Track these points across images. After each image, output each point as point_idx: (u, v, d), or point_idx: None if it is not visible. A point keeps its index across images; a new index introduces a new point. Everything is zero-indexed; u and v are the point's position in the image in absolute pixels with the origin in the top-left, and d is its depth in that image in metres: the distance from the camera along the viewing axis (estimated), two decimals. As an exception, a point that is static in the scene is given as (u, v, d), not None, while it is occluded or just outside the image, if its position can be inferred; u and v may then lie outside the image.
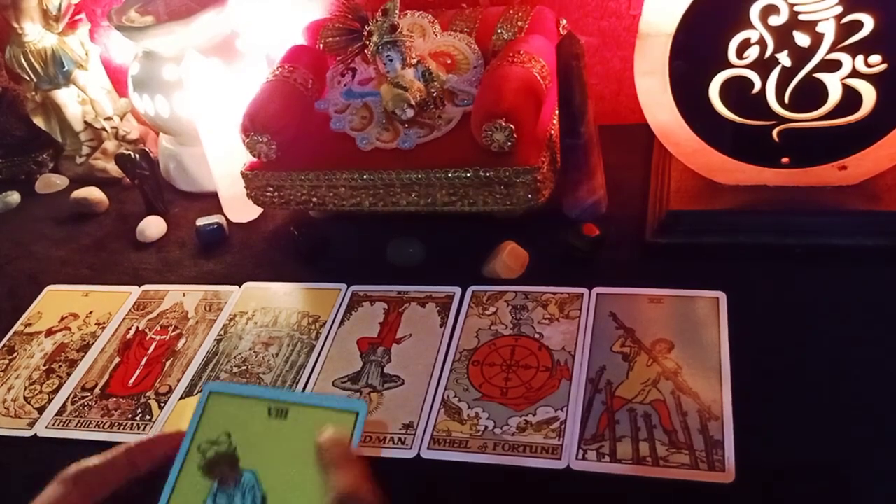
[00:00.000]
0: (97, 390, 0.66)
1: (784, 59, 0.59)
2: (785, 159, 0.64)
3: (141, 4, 0.90)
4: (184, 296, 0.75)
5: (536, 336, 0.61)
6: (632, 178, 0.77)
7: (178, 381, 0.65)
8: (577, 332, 0.61)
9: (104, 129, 1.02)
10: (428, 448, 0.55)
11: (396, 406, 0.58)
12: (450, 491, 0.52)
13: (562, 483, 0.51)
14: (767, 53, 0.60)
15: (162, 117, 0.89)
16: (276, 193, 0.78)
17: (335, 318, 0.68)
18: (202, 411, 0.41)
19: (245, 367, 0.65)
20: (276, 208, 0.80)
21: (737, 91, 0.62)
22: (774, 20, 0.58)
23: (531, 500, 0.51)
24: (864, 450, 0.49)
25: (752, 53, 0.60)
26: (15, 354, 0.72)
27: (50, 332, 0.74)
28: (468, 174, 0.70)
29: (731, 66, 0.61)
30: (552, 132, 0.74)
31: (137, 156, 0.88)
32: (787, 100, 0.61)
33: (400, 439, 0.55)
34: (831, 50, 0.58)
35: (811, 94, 0.60)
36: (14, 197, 1.00)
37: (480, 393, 0.58)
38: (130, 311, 0.74)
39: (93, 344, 0.71)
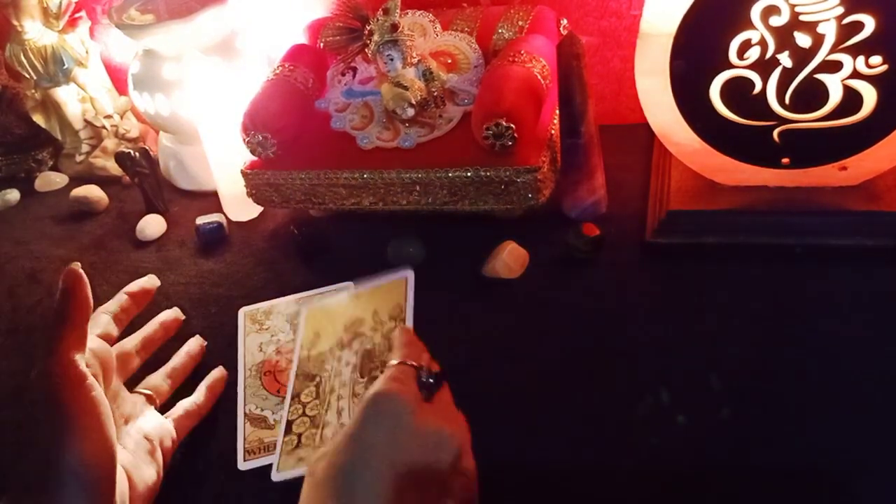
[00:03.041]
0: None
1: (785, 59, 0.59)
2: (785, 160, 0.64)
3: (141, 3, 0.90)
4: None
5: None
6: (632, 177, 0.77)
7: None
8: None
9: (104, 127, 1.02)
10: (244, 460, 0.56)
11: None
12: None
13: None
14: (768, 54, 0.60)
15: (162, 116, 0.89)
16: (276, 192, 0.78)
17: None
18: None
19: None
20: (276, 207, 0.81)
21: (737, 91, 0.62)
22: (775, 21, 0.58)
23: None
24: (864, 450, 0.49)
25: (753, 54, 0.60)
26: (319, 379, 0.58)
27: (343, 344, 0.60)
28: (468, 174, 0.70)
29: (732, 66, 0.61)
30: (552, 132, 0.74)
31: (137, 154, 0.88)
32: (787, 100, 0.61)
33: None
34: (832, 51, 0.58)
35: (812, 94, 0.60)
36: (13, 195, 1.00)
37: (280, 396, 0.60)
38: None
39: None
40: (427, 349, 0.50)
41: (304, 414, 0.55)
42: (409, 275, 0.60)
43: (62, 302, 0.50)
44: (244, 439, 0.57)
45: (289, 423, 0.55)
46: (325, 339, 0.60)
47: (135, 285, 0.62)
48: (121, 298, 0.61)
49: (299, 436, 0.54)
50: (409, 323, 0.56)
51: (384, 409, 0.41)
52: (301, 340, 0.60)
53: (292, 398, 0.57)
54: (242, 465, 0.56)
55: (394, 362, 0.46)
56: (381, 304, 0.59)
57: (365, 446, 0.40)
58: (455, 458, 0.41)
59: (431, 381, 0.45)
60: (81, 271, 0.52)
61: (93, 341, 0.53)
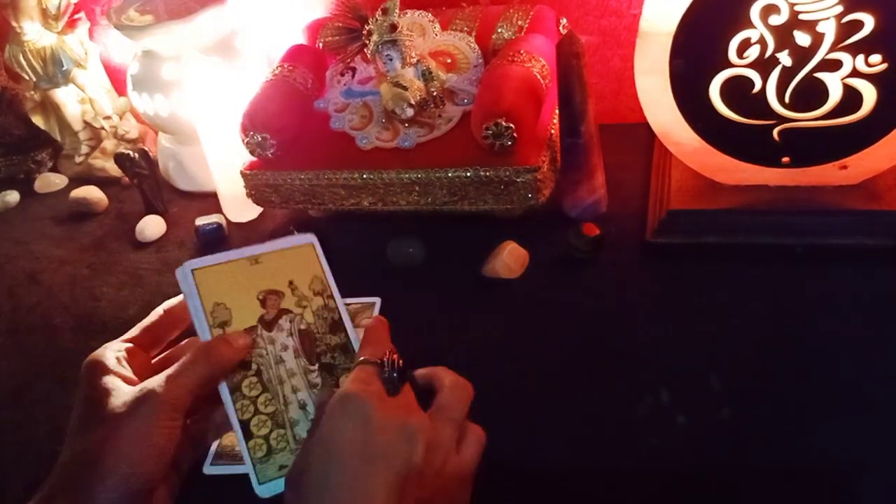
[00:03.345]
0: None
1: (784, 58, 0.59)
2: (785, 159, 0.64)
3: (140, 3, 0.90)
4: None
5: None
6: (632, 177, 0.77)
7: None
8: None
9: (103, 128, 1.02)
10: (211, 464, 0.54)
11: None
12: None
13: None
14: (768, 53, 0.59)
15: (161, 116, 0.89)
16: (275, 193, 0.78)
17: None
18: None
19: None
20: (275, 208, 0.80)
21: (737, 90, 0.62)
22: (775, 19, 0.58)
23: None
24: (864, 450, 0.49)
25: (753, 53, 0.60)
26: (256, 367, 0.47)
27: (268, 323, 0.49)
28: (468, 174, 0.70)
29: (732, 65, 0.61)
30: (552, 131, 0.74)
31: (136, 155, 0.88)
32: (787, 99, 0.61)
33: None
34: (832, 49, 0.58)
35: (812, 93, 0.60)
36: (13, 196, 1.00)
37: None
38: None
39: (340, 319, 0.50)
40: (392, 343, 0.49)
41: (258, 412, 0.46)
42: (314, 240, 0.52)
43: (218, 347, 0.46)
44: (217, 442, 0.52)
45: (244, 425, 0.45)
46: (238, 313, 0.48)
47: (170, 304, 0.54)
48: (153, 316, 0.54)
49: (266, 438, 0.46)
50: (337, 298, 0.50)
51: (348, 410, 0.42)
52: (203, 313, 0.46)
53: (232, 392, 0.46)
54: (208, 469, 0.52)
55: (360, 359, 0.47)
56: (294, 273, 0.50)
57: (336, 447, 0.41)
58: (425, 449, 0.42)
59: (395, 375, 0.45)
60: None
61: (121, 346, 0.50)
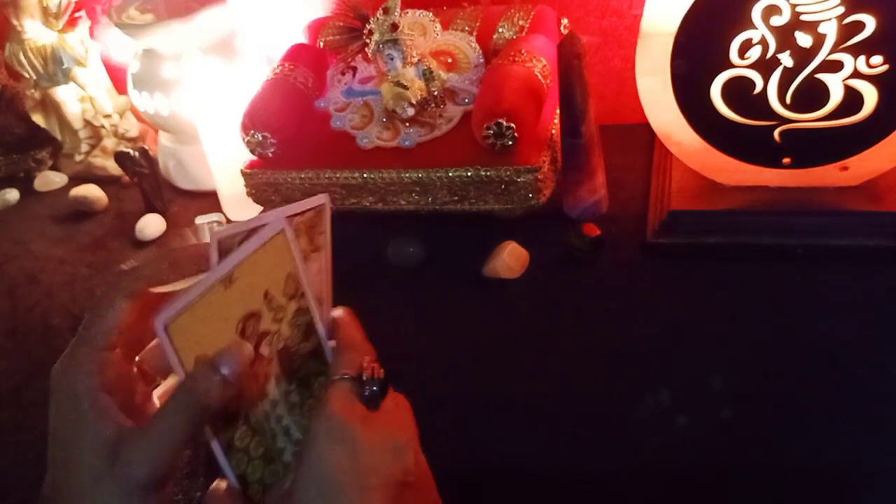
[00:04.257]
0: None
1: (786, 59, 0.59)
2: (786, 160, 0.64)
3: (141, 2, 0.90)
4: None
5: None
6: (633, 177, 0.77)
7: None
8: None
9: (103, 126, 1.02)
10: None
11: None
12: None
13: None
14: (769, 54, 0.59)
15: (161, 115, 0.89)
16: (275, 192, 0.78)
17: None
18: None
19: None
20: (275, 207, 0.80)
21: (738, 91, 0.62)
22: (776, 20, 0.58)
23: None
24: (863, 450, 0.49)
25: (754, 53, 0.60)
26: (244, 415, 0.42)
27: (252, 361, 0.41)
28: (469, 173, 0.70)
29: (733, 66, 0.61)
30: (553, 131, 0.74)
31: (137, 154, 0.88)
32: (788, 100, 0.61)
33: None
34: (833, 50, 0.58)
35: (813, 94, 0.60)
36: (13, 195, 1.00)
37: None
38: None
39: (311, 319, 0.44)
40: (369, 344, 0.44)
41: (251, 459, 0.42)
42: (285, 224, 0.43)
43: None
44: None
45: (240, 478, 0.41)
46: None
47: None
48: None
49: (261, 482, 0.42)
50: (307, 291, 0.44)
51: (335, 436, 0.39)
52: (183, 371, 0.39)
53: (226, 451, 0.41)
54: None
55: (337, 375, 0.43)
56: (268, 281, 0.42)
57: (327, 474, 0.39)
58: (412, 461, 0.41)
59: (375, 389, 0.42)
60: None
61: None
